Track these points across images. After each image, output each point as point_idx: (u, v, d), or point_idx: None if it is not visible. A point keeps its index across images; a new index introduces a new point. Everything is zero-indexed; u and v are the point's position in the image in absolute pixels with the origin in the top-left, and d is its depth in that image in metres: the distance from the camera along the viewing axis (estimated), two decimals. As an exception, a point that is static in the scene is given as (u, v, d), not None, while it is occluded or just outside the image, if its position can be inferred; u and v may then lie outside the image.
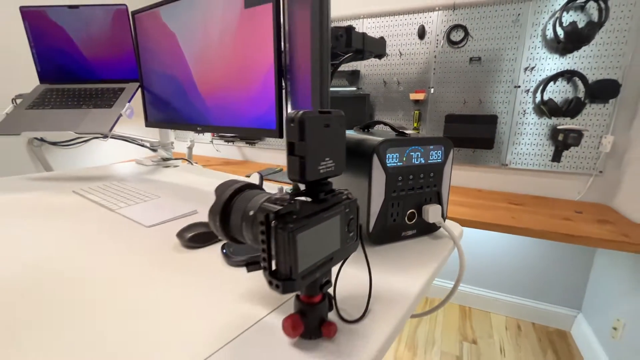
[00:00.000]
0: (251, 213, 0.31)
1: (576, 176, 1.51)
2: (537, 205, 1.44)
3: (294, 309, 0.33)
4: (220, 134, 2.36)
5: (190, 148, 1.68)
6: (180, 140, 2.61)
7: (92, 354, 0.30)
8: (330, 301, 0.34)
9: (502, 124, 1.59)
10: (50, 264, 0.47)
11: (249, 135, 0.77)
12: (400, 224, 0.54)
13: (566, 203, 1.48)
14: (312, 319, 0.32)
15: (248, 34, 0.71)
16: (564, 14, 1.37)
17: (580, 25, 1.33)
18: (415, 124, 1.76)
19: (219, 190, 0.35)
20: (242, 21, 0.72)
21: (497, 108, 1.58)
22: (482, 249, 1.78)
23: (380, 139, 0.50)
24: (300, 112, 0.28)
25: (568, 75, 1.41)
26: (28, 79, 1.69)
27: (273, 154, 2.28)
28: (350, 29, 0.62)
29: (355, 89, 1.85)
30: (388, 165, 0.50)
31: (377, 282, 0.44)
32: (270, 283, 0.28)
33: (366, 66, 1.83)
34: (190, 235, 0.52)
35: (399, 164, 0.51)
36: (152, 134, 1.31)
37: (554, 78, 1.43)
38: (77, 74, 1.03)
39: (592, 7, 1.34)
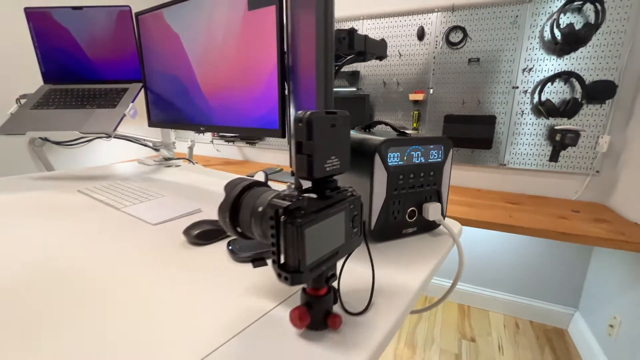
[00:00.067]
0: (260, 209, 0.32)
1: (573, 176, 1.53)
2: (534, 204, 1.46)
3: (301, 301, 0.34)
4: (220, 134, 2.37)
5: (190, 148, 1.69)
6: (181, 140, 2.62)
7: (105, 346, 0.32)
8: (334, 294, 0.36)
9: (500, 124, 1.60)
10: (60, 261, 0.48)
11: (252, 135, 0.78)
12: (401, 221, 0.56)
13: (563, 202, 1.50)
14: (318, 310, 0.33)
15: (251, 35, 0.73)
16: (561, 15, 1.39)
17: (577, 27, 1.35)
18: (414, 124, 1.78)
19: (228, 187, 0.36)
20: (245, 23, 0.73)
21: (495, 108, 1.60)
22: (481, 248, 1.80)
23: (382, 138, 0.51)
24: (308, 112, 0.29)
25: (565, 76, 1.43)
26: (31, 79, 1.70)
27: (273, 154, 2.29)
28: (352, 32, 0.63)
29: (355, 89, 1.87)
30: (389, 164, 0.52)
31: (379, 277, 0.45)
32: (279, 275, 0.29)
33: (366, 67, 1.85)
34: (196, 232, 0.54)
35: (400, 163, 0.53)
36: (151, 134, 1.32)
37: (551, 79, 1.45)
38: (80, 74, 1.05)
39: (588, 9, 1.35)
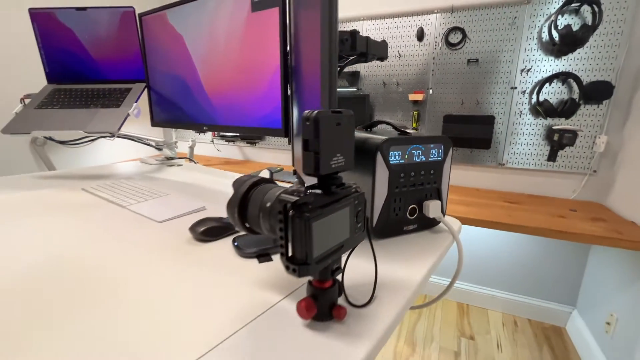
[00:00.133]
0: (268, 205, 0.33)
1: (571, 175, 1.55)
2: (533, 203, 1.47)
3: (307, 293, 0.35)
4: (221, 134, 2.38)
5: (191, 148, 1.70)
6: (182, 140, 2.63)
7: (119, 336, 0.33)
8: (339, 287, 0.37)
9: (499, 124, 1.62)
10: (70, 257, 0.50)
11: (255, 134, 0.80)
12: (402, 218, 0.57)
13: (561, 201, 1.51)
14: (324, 302, 0.34)
15: (255, 36, 0.74)
16: (559, 17, 1.41)
17: (575, 28, 1.36)
18: (414, 124, 1.79)
19: (236, 184, 0.37)
20: (248, 24, 0.74)
21: (494, 109, 1.62)
22: (480, 248, 1.81)
23: (384, 137, 0.52)
24: (315, 111, 0.30)
25: (563, 76, 1.44)
26: (33, 79, 1.71)
27: (274, 154, 2.30)
28: (355, 33, 0.64)
29: (355, 89, 1.88)
30: (391, 162, 0.53)
31: (381, 271, 0.46)
32: (287, 268, 0.30)
33: (366, 67, 1.86)
34: (202, 229, 0.55)
35: (401, 161, 0.54)
36: (151, 135, 1.33)
37: (549, 79, 1.47)
38: (84, 74, 1.06)
39: (586, 10, 1.37)
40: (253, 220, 0.35)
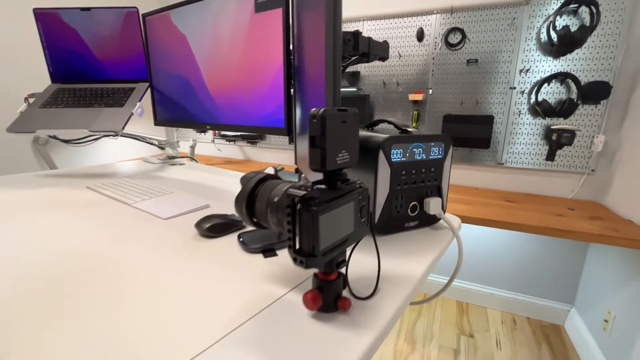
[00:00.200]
0: (276, 199, 0.35)
1: (569, 174, 1.57)
2: (531, 202, 1.49)
3: (312, 285, 0.36)
4: (222, 133, 2.39)
5: (192, 147, 1.72)
6: (182, 140, 2.64)
7: (133, 326, 0.34)
8: (344, 280, 0.38)
9: (498, 124, 1.64)
10: (79, 252, 0.51)
11: (258, 133, 0.81)
12: (404, 215, 0.58)
13: (560, 200, 1.53)
14: (329, 294, 0.36)
15: (258, 37, 0.75)
16: (558, 18, 1.42)
17: (573, 29, 1.38)
18: (414, 124, 1.80)
19: (244, 180, 0.39)
20: (252, 25, 0.75)
21: (493, 109, 1.63)
22: (479, 246, 1.83)
23: (386, 135, 0.54)
24: (322, 109, 0.31)
25: (561, 77, 1.46)
26: (36, 79, 1.72)
27: (274, 153, 2.31)
28: (357, 34, 0.66)
29: (355, 89, 1.89)
30: (393, 160, 0.54)
31: (384, 266, 0.48)
32: (294, 260, 0.32)
33: (366, 67, 1.88)
34: (208, 225, 0.56)
35: (402, 159, 0.55)
36: (152, 134, 1.34)
37: (548, 80, 1.48)
38: (88, 73, 1.07)
39: (584, 11, 1.39)
40: (260, 215, 0.37)
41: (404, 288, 0.42)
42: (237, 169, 2.08)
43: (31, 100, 1.01)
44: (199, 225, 0.57)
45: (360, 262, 0.48)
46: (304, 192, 0.31)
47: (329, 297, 0.36)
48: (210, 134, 2.48)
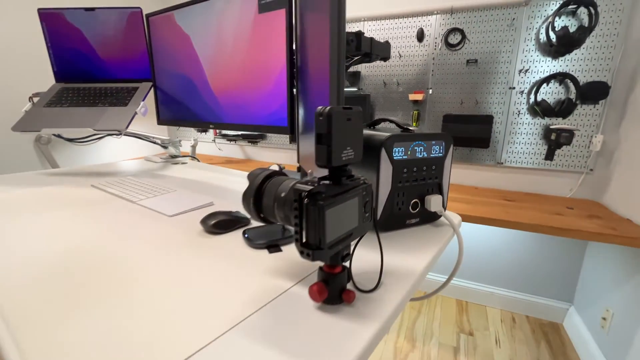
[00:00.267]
0: (283, 195, 0.36)
1: (568, 174, 1.58)
2: (530, 201, 1.50)
3: (318, 278, 0.38)
4: (223, 133, 2.40)
5: (193, 147, 1.72)
6: (183, 139, 2.64)
7: (144, 318, 0.35)
8: (348, 273, 0.39)
9: (497, 124, 1.65)
10: (87, 249, 0.52)
11: (261, 132, 0.82)
12: (405, 212, 0.59)
13: (558, 199, 1.54)
14: (334, 286, 0.37)
15: (261, 37, 0.76)
16: (556, 19, 1.44)
17: (572, 29, 1.39)
18: (414, 124, 1.82)
19: (251, 176, 0.40)
20: (256, 25, 0.76)
21: (492, 108, 1.65)
22: (479, 245, 1.84)
23: (388, 134, 0.55)
24: (328, 107, 0.33)
25: (560, 77, 1.47)
26: (41, 78, 1.73)
27: (275, 153, 2.33)
28: (360, 34, 0.67)
29: (356, 89, 1.91)
30: (394, 158, 0.55)
31: (386, 261, 0.49)
32: (301, 252, 0.33)
33: (367, 67, 1.89)
34: (213, 222, 0.57)
35: (404, 157, 0.57)
36: (154, 133, 1.35)
37: (546, 80, 1.50)
38: (92, 73, 1.08)
39: (582, 12, 1.40)
40: (268, 211, 0.38)
41: (405, 282, 0.43)
42: (238, 168, 2.09)
43: (35, 99, 1.02)
44: (204, 221, 0.58)
45: (363, 258, 0.49)
46: (311, 187, 0.32)
47: (334, 289, 0.37)
48: (211, 133, 2.49)
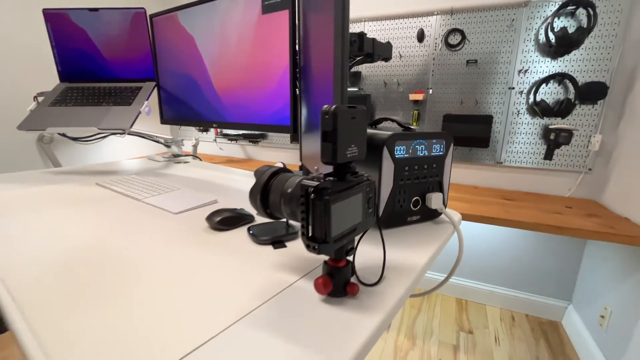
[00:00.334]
0: (289, 191, 0.37)
1: (567, 173, 1.59)
2: (529, 200, 1.51)
3: (323, 272, 0.39)
4: (224, 132, 2.41)
5: (195, 146, 1.74)
6: (185, 139, 2.66)
7: (157, 310, 0.36)
8: (352, 267, 0.41)
9: (497, 124, 1.66)
10: (95, 245, 0.53)
11: (264, 131, 0.83)
12: (407, 209, 0.61)
13: (557, 199, 1.56)
14: (339, 279, 0.38)
15: (265, 37, 0.78)
16: (556, 19, 1.45)
17: (571, 30, 1.41)
18: (414, 124, 1.83)
19: (258, 174, 0.41)
20: (259, 26, 0.78)
21: (492, 108, 1.66)
22: (478, 245, 1.85)
23: (390, 133, 0.56)
24: (334, 106, 0.34)
25: (559, 77, 1.49)
26: (44, 78, 1.74)
27: (276, 152, 2.34)
28: (362, 35, 0.68)
29: (356, 89, 1.92)
30: (396, 156, 0.57)
31: (388, 256, 0.50)
32: (308, 246, 0.34)
33: (367, 68, 1.90)
34: (218, 218, 0.58)
35: (405, 155, 0.58)
36: (155, 132, 1.36)
37: (546, 80, 1.51)
38: (96, 73, 1.09)
39: (581, 13, 1.41)
40: (274, 206, 0.39)
41: (407, 277, 0.45)
42: (239, 167, 2.10)
43: (40, 98, 1.03)
44: (210, 218, 0.59)
45: (365, 253, 0.51)
46: (317, 183, 0.33)
47: (339, 282, 0.38)
48: (212, 133, 2.50)
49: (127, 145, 2.35)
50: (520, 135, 1.63)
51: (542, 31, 1.49)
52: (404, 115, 1.86)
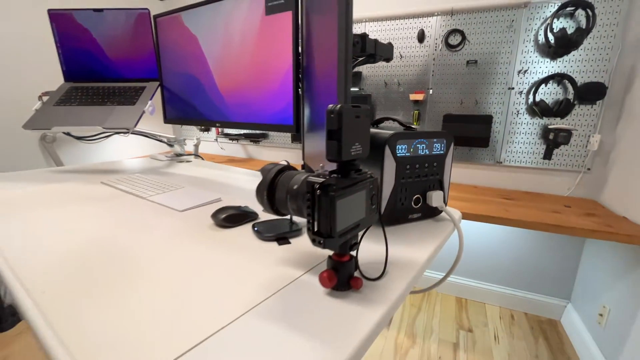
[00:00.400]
0: (295, 187, 0.38)
1: (566, 173, 1.61)
2: (529, 200, 1.53)
3: (327, 266, 0.40)
4: (225, 132, 2.43)
5: (196, 146, 1.75)
6: (187, 139, 2.67)
7: (168, 303, 0.37)
8: (355, 262, 0.42)
9: (496, 124, 1.67)
10: (103, 242, 0.54)
11: (267, 130, 0.84)
12: (408, 207, 0.62)
13: (556, 198, 1.57)
14: (343, 274, 0.39)
15: (268, 38, 0.79)
16: (555, 20, 1.46)
17: (570, 31, 1.42)
18: (415, 124, 1.84)
19: (264, 171, 0.42)
20: (263, 27, 0.79)
21: (492, 108, 1.67)
22: (478, 244, 1.87)
23: (391, 132, 0.57)
24: (339, 105, 0.35)
25: (558, 78, 1.50)
26: (48, 78, 1.75)
27: (277, 152, 2.35)
28: (365, 36, 0.69)
29: (357, 89, 1.93)
30: (398, 155, 0.58)
31: (390, 252, 0.51)
32: (313, 241, 0.35)
33: (368, 68, 1.91)
34: (224, 216, 0.60)
35: (407, 154, 0.59)
36: (156, 132, 1.37)
37: (545, 80, 1.52)
38: (100, 73, 1.10)
39: (580, 14, 1.43)
40: (280, 203, 0.40)
41: (408, 272, 0.46)
42: (241, 167, 2.11)
43: (45, 98, 1.05)
44: (215, 215, 0.61)
45: (368, 249, 0.52)
46: (322, 180, 0.34)
47: (343, 276, 0.39)
48: (213, 132, 2.51)
49: (128, 145, 2.36)
50: (520, 135, 1.64)
51: (541, 32, 1.50)
52: (404, 115, 1.87)
